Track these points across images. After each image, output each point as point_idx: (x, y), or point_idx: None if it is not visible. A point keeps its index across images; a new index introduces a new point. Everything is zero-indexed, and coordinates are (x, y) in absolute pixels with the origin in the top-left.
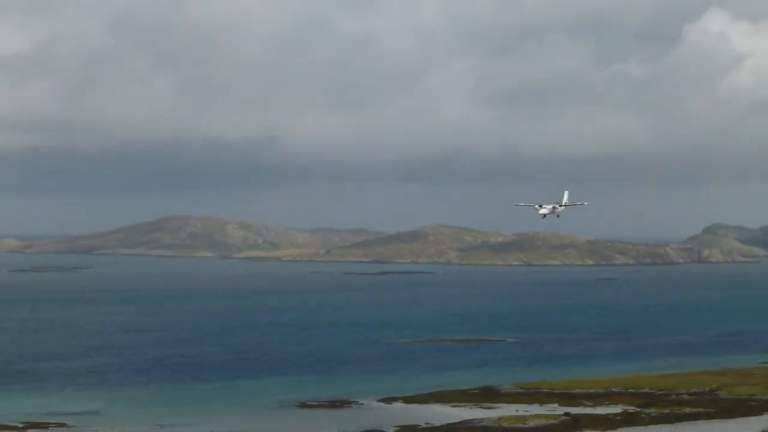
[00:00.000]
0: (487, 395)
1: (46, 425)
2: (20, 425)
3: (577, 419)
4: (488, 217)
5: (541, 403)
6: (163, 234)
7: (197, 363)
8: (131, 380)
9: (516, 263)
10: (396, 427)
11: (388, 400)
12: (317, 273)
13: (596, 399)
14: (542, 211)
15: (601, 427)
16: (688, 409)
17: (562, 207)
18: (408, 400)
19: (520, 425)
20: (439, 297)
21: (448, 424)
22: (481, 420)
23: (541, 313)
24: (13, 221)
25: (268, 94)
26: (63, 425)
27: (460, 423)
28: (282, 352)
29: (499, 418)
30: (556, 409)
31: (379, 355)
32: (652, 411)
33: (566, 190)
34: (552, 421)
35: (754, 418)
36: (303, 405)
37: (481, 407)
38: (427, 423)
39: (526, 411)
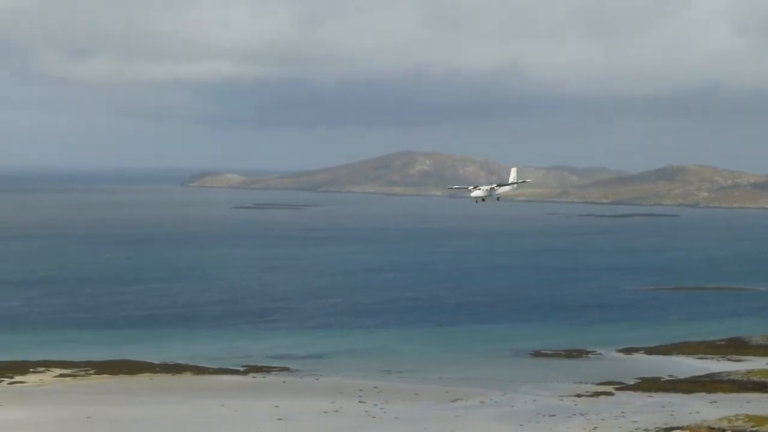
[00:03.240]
0: (735, 347)
1: (268, 369)
2: (241, 368)
3: None
4: (741, 156)
5: None
6: (392, 171)
7: (428, 306)
8: (359, 323)
9: None
10: (637, 379)
11: (629, 350)
12: (553, 214)
13: None
14: (475, 193)
15: None
16: None
17: (505, 187)
18: (650, 351)
19: None
20: (685, 242)
21: (692, 377)
22: (729, 373)
23: None
24: (237, 155)
25: (514, 21)
26: (285, 369)
27: (705, 376)
28: (516, 297)
29: (748, 372)
30: None
31: (619, 303)
32: None
33: (514, 166)
34: None
35: None
36: (537, 354)
37: (729, 360)
38: (670, 375)
39: None
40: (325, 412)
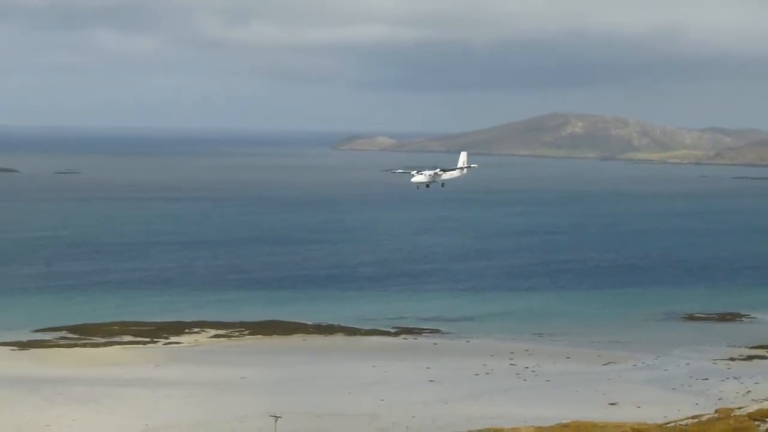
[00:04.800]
0: None
1: (419, 331)
2: (393, 330)
3: None
4: None
5: None
6: (544, 133)
7: (581, 269)
8: (511, 286)
9: None
10: None
11: None
12: (705, 176)
13: None
14: (417, 178)
15: None
16: None
17: (452, 172)
18: None
19: None
20: None
21: None
22: None
23: None
24: (388, 118)
25: None
26: (436, 331)
27: None
28: (669, 260)
29: None
30: None
31: None
32: None
33: (463, 150)
34: None
35: None
36: (690, 317)
37: None
38: None
39: None
40: (476, 374)
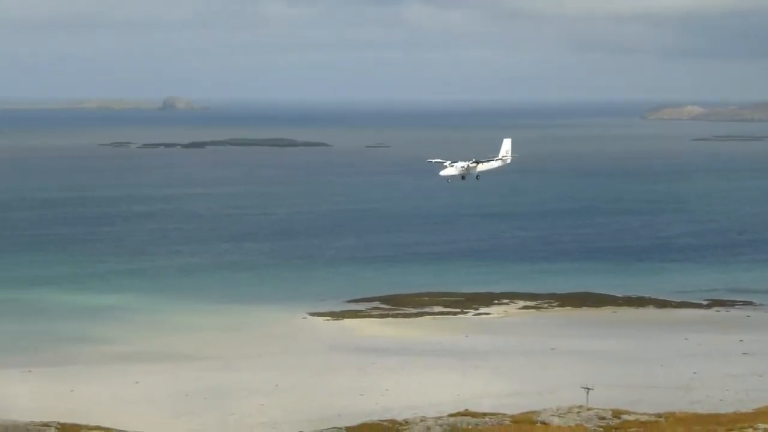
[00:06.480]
0: None
1: (731, 303)
2: (704, 302)
3: None
4: None
5: None
6: None
7: None
8: None
9: None
10: None
11: None
12: None
13: None
14: (447, 171)
15: None
16: None
17: (490, 163)
18: None
19: None
20: None
21: None
22: None
23: None
24: (696, 87)
25: None
26: (749, 303)
27: None
28: None
29: None
30: None
31: None
32: None
33: (508, 137)
34: None
35: None
36: None
37: None
38: None
39: None
40: None
